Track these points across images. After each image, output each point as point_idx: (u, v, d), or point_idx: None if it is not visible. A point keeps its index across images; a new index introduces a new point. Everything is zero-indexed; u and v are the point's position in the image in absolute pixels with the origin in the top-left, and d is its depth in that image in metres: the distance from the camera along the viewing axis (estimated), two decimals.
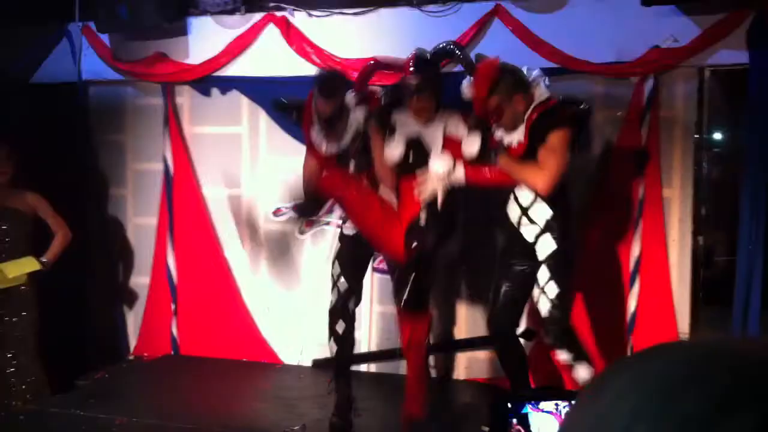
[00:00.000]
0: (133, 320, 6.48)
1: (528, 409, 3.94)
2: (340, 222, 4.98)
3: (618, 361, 0.65)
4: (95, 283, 6.41)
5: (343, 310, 4.63)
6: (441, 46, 4.68)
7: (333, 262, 4.70)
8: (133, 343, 6.46)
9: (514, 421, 3.95)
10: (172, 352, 6.22)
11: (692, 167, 5.13)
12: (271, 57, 5.85)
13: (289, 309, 6.00)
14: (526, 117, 4.10)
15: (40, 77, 6.37)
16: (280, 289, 6.05)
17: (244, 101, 6.08)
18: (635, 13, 4.91)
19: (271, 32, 5.82)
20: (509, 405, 3.93)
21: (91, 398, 5.23)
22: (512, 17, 5.25)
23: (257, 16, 5.85)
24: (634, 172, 5.10)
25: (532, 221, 4.13)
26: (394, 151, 4.36)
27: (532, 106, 4.11)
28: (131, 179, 6.49)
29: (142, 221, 6.43)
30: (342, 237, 4.72)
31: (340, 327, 4.62)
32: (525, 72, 4.21)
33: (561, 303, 4.13)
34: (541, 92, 4.14)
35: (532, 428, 3.92)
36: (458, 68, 5.13)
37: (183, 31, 6.05)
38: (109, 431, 4.63)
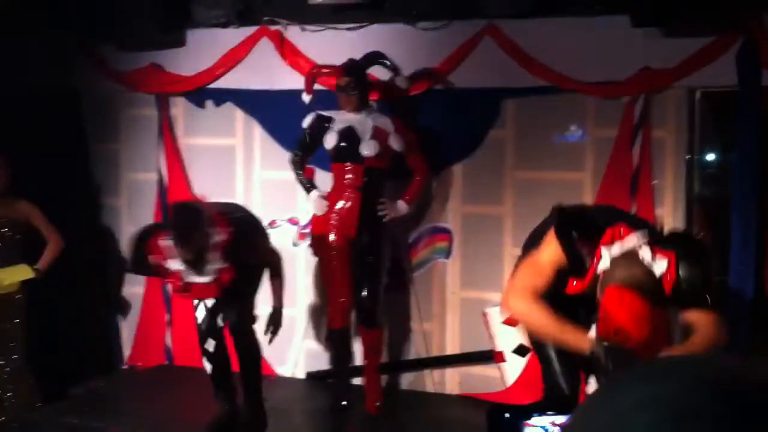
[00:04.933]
0: (127, 330, 6.49)
1: (521, 424, 3.99)
2: None
3: (631, 372, 0.66)
4: (89, 292, 6.43)
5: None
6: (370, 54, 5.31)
7: None
8: (126, 352, 6.46)
9: None
10: (167, 362, 6.25)
11: (684, 187, 5.15)
12: (265, 70, 5.87)
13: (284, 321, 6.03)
14: None
15: (34, 86, 6.37)
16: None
17: (239, 113, 6.10)
18: (626, 34, 4.93)
19: (265, 45, 5.84)
20: (506, 418, 3.99)
21: (84, 407, 5.27)
22: (504, 35, 5.27)
23: (251, 30, 5.87)
24: (626, 191, 5.13)
25: None
26: (329, 141, 5.07)
27: None
28: (126, 189, 6.51)
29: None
30: None
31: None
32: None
33: None
34: None
35: None
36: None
37: (178, 43, 6.07)
38: None
